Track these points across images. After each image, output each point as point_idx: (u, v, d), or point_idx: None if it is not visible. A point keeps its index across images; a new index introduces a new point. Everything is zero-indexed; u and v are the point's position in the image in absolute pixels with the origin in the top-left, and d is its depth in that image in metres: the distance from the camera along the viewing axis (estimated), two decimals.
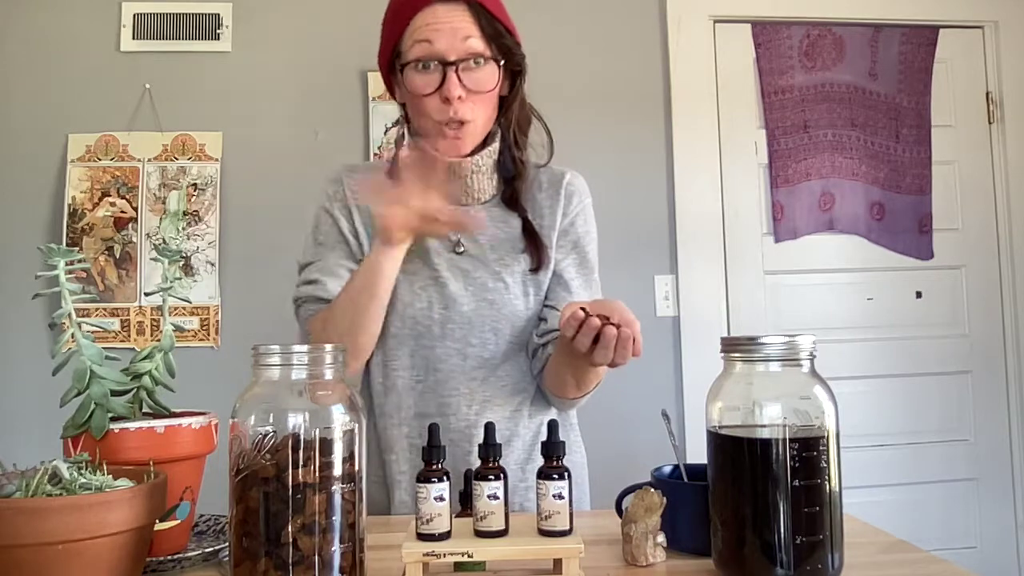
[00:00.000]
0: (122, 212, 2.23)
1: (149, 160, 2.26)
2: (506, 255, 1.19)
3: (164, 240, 2.21)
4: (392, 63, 1.18)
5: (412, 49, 1.13)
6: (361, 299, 1.09)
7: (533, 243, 1.19)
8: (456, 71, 1.11)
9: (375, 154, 2.30)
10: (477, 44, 1.13)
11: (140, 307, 2.20)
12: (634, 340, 0.97)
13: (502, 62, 1.15)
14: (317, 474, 0.67)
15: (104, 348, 0.86)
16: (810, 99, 2.48)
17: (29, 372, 2.13)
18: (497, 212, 1.21)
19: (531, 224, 1.20)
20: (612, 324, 0.95)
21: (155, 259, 0.92)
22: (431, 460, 0.72)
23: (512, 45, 1.17)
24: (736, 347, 0.78)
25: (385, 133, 2.29)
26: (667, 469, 0.94)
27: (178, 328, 0.94)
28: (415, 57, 1.12)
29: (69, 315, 0.84)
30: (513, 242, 1.20)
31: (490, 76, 1.14)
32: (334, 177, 1.27)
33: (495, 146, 1.19)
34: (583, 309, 0.96)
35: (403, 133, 1.24)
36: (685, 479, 0.92)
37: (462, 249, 1.19)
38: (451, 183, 1.15)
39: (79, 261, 0.86)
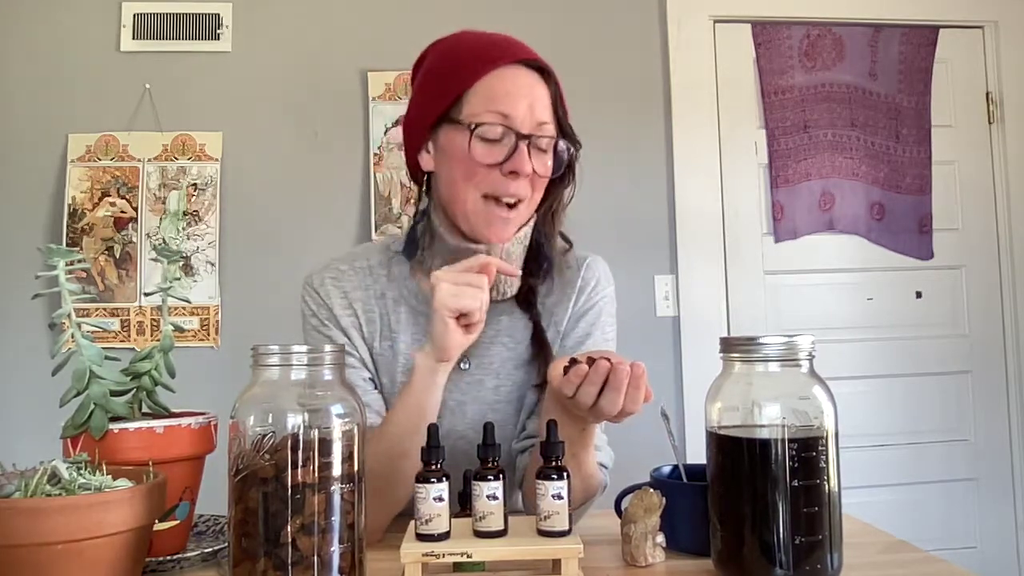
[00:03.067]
0: (122, 212, 2.24)
1: (149, 160, 2.26)
2: (510, 374, 1.09)
3: (164, 240, 2.21)
4: (440, 118, 1.03)
5: (484, 115, 0.99)
6: (407, 450, 0.91)
7: (542, 354, 1.07)
8: (528, 145, 1.00)
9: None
10: (550, 128, 1.03)
11: (140, 307, 2.20)
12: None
13: (570, 150, 1.05)
14: (316, 474, 0.67)
15: (104, 348, 0.86)
16: (810, 99, 2.48)
17: (29, 372, 2.12)
18: (506, 320, 1.09)
19: (541, 332, 1.08)
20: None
21: (155, 259, 0.92)
22: (430, 460, 0.72)
23: (574, 134, 1.07)
24: (735, 347, 0.78)
25: (385, 133, 2.29)
26: (666, 469, 0.94)
27: (178, 328, 0.94)
28: (489, 122, 0.99)
29: (69, 315, 0.84)
30: (519, 358, 1.09)
31: (551, 162, 1.04)
32: (315, 284, 1.10)
33: (527, 230, 1.08)
34: (575, 361, 0.85)
35: (421, 210, 1.10)
36: (684, 479, 0.92)
37: (466, 366, 1.08)
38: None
39: (79, 261, 0.86)
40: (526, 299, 1.09)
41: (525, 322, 1.10)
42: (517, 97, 1.00)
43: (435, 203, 1.08)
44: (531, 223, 1.08)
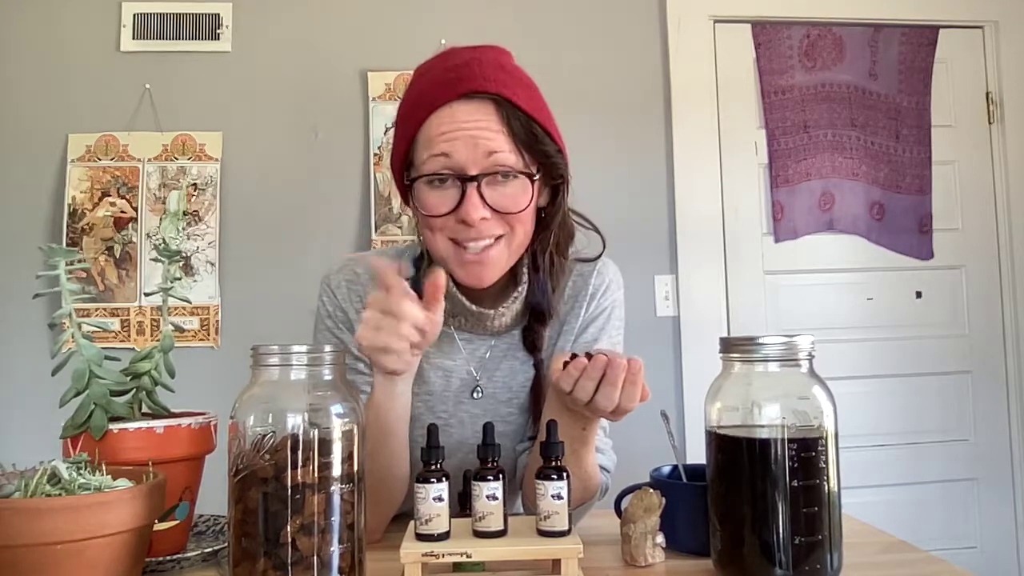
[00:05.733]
0: (122, 212, 2.24)
1: (149, 160, 2.26)
2: (523, 386, 1.08)
3: (164, 240, 2.21)
4: (403, 167, 1.01)
5: (426, 163, 0.95)
6: (379, 455, 0.93)
7: (538, 404, 1.04)
8: (479, 187, 0.93)
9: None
10: (506, 156, 0.94)
11: (140, 307, 2.20)
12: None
13: (537, 177, 0.97)
14: (316, 474, 0.67)
15: (104, 348, 0.86)
16: (810, 99, 2.48)
17: (29, 372, 2.12)
18: (517, 334, 1.08)
19: (541, 380, 1.05)
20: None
21: (155, 259, 0.92)
22: (430, 460, 0.72)
23: (551, 151, 0.98)
24: (735, 347, 0.78)
25: (385, 133, 2.29)
26: (666, 469, 0.94)
27: (178, 328, 0.94)
28: (427, 172, 0.95)
29: (69, 315, 0.84)
30: (532, 371, 1.07)
31: (522, 191, 0.96)
32: (332, 285, 1.09)
33: (522, 289, 1.04)
34: (576, 356, 0.85)
35: (421, 253, 1.07)
36: (684, 479, 0.92)
37: (479, 395, 1.07)
38: (468, 319, 1.05)
39: (79, 261, 0.86)
40: (532, 343, 1.07)
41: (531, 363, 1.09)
42: (454, 135, 0.93)
43: None
44: (525, 269, 1.04)
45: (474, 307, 1.03)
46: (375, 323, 0.85)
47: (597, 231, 1.11)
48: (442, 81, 0.97)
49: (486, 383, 1.08)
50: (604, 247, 1.12)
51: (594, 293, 1.11)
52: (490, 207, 0.94)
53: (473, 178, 0.93)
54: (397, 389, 0.93)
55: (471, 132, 0.93)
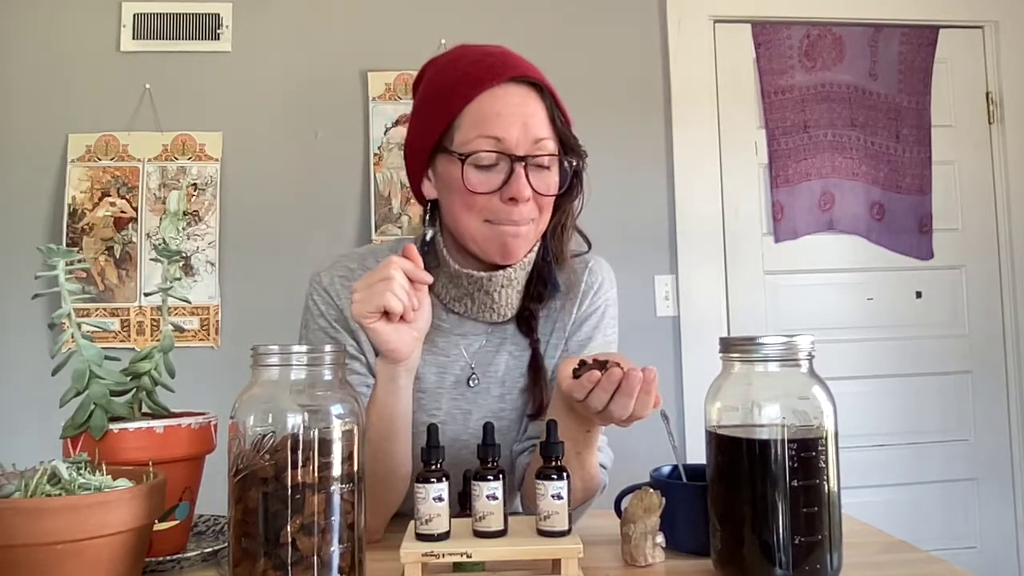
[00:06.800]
0: (122, 212, 2.24)
1: (149, 160, 2.26)
2: (516, 381, 1.09)
3: (164, 240, 2.21)
4: (436, 147, 1.00)
5: (475, 141, 0.96)
6: (383, 454, 0.94)
7: (537, 384, 1.06)
8: (525, 167, 0.97)
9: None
10: (548, 142, 0.99)
11: (140, 307, 2.20)
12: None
13: (574, 164, 1.02)
14: (316, 474, 0.67)
15: (104, 348, 0.86)
16: (810, 99, 2.48)
17: (29, 372, 2.12)
18: (511, 329, 1.09)
19: (539, 361, 1.07)
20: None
21: (155, 259, 0.92)
22: (430, 460, 0.72)
23: (576, 143, 1.04)
24: (735, 347, 0.78)
25: (385, 133, 2.29)
26: (666, 469, 0.94)
27: (178, 328, 0.94)
28: (480, 149, 0.96)
29: (69, 315, 0.84)
30: (525, 366, 1.09)
31: (556, 177, 1.01)
32: (324, 282, 1.08)
33: (531, 257, 1.05)
34: (585, 363, 0.85)
35: (428, 235, 1.05)
36: (684, 479, 0.92)
37: (475, 383, 1.08)
38: (475, 297, 1.05)
39: (79, 261, 0.86)
40: (527, 323, 1.08)
41: (527, 346, 1.09)
42: (508, 117, 0.96)
43: (442, 228, 1.06)
44: (537, 244, 1.06)
45: (483, 273, 1.02)
46: (361, 296, 0.89)
47: (581, 233, 1.12)
48: (485, 65, 0.99)
49: (481, 374, 1.09)
50: (589, 247, 1.13)
51: (587, 291, 1.11)
52: (532, 188, 0.97)
53: (522, 159, 0.96)
54: (400, 383, 0.93)
55: (523, 115, 0.97)
